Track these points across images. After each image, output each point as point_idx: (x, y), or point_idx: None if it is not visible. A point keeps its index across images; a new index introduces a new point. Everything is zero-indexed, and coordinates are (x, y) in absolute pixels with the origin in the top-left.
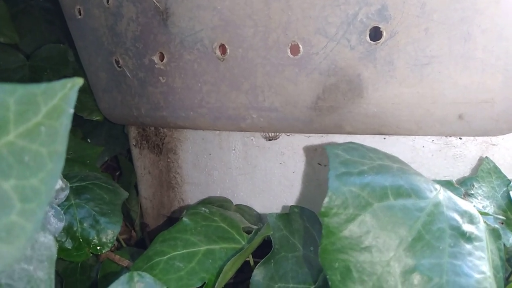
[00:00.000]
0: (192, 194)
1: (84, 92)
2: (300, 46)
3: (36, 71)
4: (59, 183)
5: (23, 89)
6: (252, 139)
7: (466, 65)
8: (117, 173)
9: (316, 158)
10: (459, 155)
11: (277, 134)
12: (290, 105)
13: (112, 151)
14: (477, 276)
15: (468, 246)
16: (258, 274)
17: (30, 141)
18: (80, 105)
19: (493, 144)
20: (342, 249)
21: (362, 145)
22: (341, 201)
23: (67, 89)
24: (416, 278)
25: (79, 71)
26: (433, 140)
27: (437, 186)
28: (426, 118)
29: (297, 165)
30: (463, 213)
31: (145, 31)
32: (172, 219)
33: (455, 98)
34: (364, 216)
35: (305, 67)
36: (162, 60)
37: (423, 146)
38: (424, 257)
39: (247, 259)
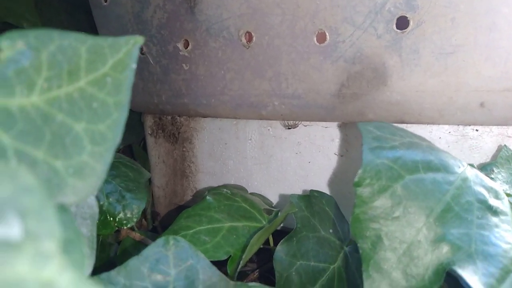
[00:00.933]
0: (206, 183)
1: None
2: (327, 34)
3: None
4: None
5: (93, 40)
6: (269, 129)
7: (490, 54)
8: None
9: (333, 148)
10: (475, 146)
11: (297, 122)
12: (313, 92)
13: (127, 140)
14: (504, 246)
15: (494, 219)
16: (281, 251)
17: (98, 90)
18: None
19: (509, 136)
20: (373, 218)
21: (391, 124)
22: (374, 173)
23: (130, 45)
24: (445, 247)
25: None
26: (450, 132)
27: (464, 163)
28: (449, 106)
29: (313, 155)
30: (489, 189)
31: (171, 19)
32: (184, 208)
33: (478, 86)
34: (396, 187)
35: (331, 55)
36: (186, 47)
37: (440, 138)
38: (454, 227)
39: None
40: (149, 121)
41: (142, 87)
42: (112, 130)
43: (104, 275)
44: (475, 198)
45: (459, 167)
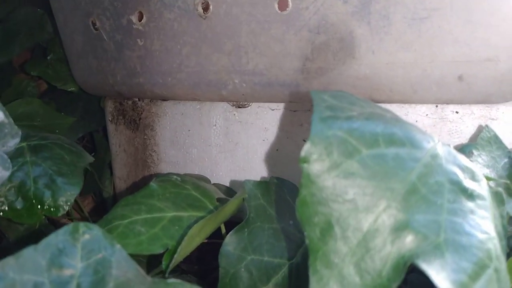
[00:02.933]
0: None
1: (60, 61)
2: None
3: (9, 34)
4: (7, 128)
5: None
6: (234, 114)
7: (470, 19)
8: (92, 154)
9: (302, 134)
10: (455, 130)
11: (247, 102)
12: (276, 68)
13: (87, 127)
14: (480, 235)
15: (469, 204)
16: (229, 244)
17: None
18: (54, 74)
19: (492, 119)
20: (323, 201)
21: (351, 94)
22: (324, 146)
23: None
24: (409, 236)
25: (55, 38)
26: (427, 114)
27: (435, 139)
28: (423, 80)
29: (281, 142)
30: (464, 169)
31: None
32: None
33: (455, 56)
34: (350, 164)
35: (294, 24)
36: (140, 20)
37: (416, 121)
38: (419, 213)
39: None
40: (109, 107)
41: (96, 66)
42: None
43: None
44: (446, 178)
45: (429, 142)
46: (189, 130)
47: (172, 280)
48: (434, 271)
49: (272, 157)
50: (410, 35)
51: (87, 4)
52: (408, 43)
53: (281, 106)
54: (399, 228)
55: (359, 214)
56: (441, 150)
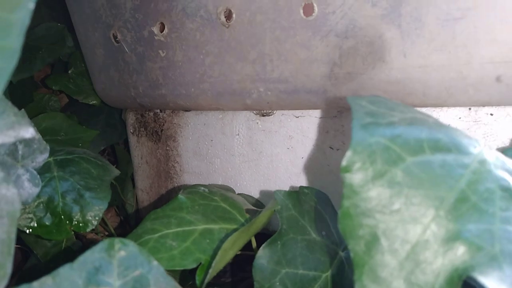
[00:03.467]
0: (191, 184)
1: (80, 75)
2: (315, 5)
3: (31, 50)
4: (36, 143)
5: None
6: (257, 123)
7: (507, 17)
8: (114, 166)
9: (328, 141)
10: (490, 133)
11: (272, 110)
12: (302, 74)
13: (109, 140)
14: None
15: None
16: (262, 257)
17: None
18: (76, 88)
19: None
20: (367, 212)
21: (389, 99)
22: (367, 154)
23: None
24: (461, 247)
25: (75, 52)
26: (460, 118)
27: (480, 143)
28: (458, 82)
29: (306, 150)
30: None
31: (145, 0)
32: None
33: (493, 57)
34: (395, 173)
35: (320, 29)
36: (162, 31)
37: (450, 125)
38: (471, 222)
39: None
40: (130, 119)
41: (117, 79)
42: None
43: (24, 286)
44: (497, 185)
45: (475, 147)
46: (211, 140)
47: None
48: (493, 284)
49: (298, 166)
50: (444, 36)
51: (108, 17)
52: (442, 45)
53: (306, 113)
54: (450, 239)
55: (406, 225)
56: (488, 155)
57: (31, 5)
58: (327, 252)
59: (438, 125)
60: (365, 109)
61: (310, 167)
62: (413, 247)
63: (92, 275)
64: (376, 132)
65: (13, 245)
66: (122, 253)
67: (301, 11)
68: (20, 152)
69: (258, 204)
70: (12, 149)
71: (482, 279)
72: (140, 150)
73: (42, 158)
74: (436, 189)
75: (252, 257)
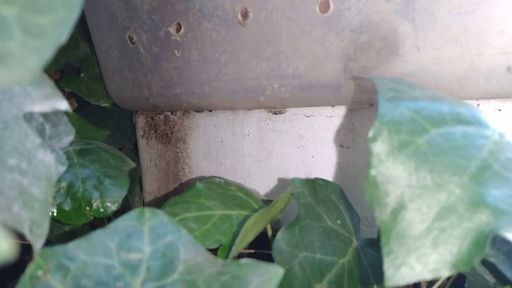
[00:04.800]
0: None
1: (92, 78)
2: (330, 1)
3: None
4: (63, 125)
5: None
6: (268, 123)
7: None
8: None
9: (338, 139)
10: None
11: (285, 108)
12: (317, 70)
13: (118, 143)
14: None
15: None
16: (281, 240)
17: None
18: (88, 91)
19: None
20: (393, 180)
21: (408, 81)
22: (393, 125)
23: None
24: (486, 210)
25: (88, 57)
26: None
27: (498, 120)
28: (470, 74)
29: (316, 149)
30: None
31: (162, 1)
32: None
33: (504, 47)
34: (420, 142)
35: (335, 25)
36: (178, 32)
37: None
38: (494, 187)
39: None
40: (140, 122)
41: (132, 80)
42: (55, 27)
43: (59, 247)
44: None
45: (493, 122)
46: (222, 141)
47: (245, 260)
48: None
49: (308, 165)
50: (456, 29)
51: (124, 19)
52: (454, 38)
53: (316, 112)
54: (475, 203)
55: (431, 192)
56: (506, 130)
57: None
58: (342, 240)
59: (457, 101)
60: (388, 86)
61: (321, 166)
62: (439, 212)
63: (124, 241)
64: (401, 104)
65: (49, 206)
66: (152, 221)
67: (317, 8)
68: (47, 132)
69: (269, 201)
70: (40, 129)
71: (509, 236)
72: (149, 152)
73: (67, 139)
74: (459, 157)
75: (268, 255)
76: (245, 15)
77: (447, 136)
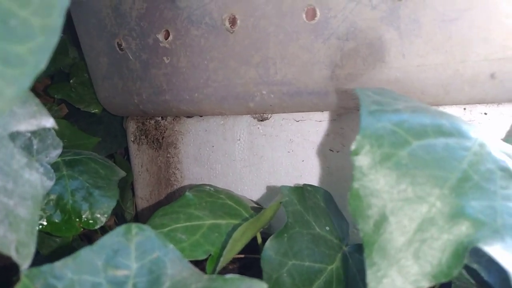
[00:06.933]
0: None
1: (83, 84)
2: (317, 9)
3: None
4: (50, 139)
5: None
6: (258, 128)
7: (499, 17)
8: None
9: (328, 144)
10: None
11: (269, 114)
12: (305, 76)
13: (109, 149)
14: None
15: None
16: (270, 249)
17: (19, 6)
18: (77, 97)
19: None
20: (376, 193)
21: (393, 91)
22: (375, 138)
23: None
24: (465, 222)
25: (78, 63)
26: None
27: (479, 129)
28: (455, 80)
29: (306, 153)
30: None
31: (150, 8)
32: None
33: (487, 55)
34: (401, 155)
35: (322, 33)
36: (167, 38)
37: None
38: (474, 199)
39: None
40: (131, 127)
41: (121, 86)
42: (34, 54)
43: (46, 267)
44: (497, 165)
45: (475, 132)
46: (213, 146)
47: (230, 276)
48: (497, 253)
49: (298, 169)
50: (441, 36)
51: (113, 26)
52: (439, 45)
53: (306, 117)
54: (455, 215)
55: (413, 204)
56: (487, 140)
57: None
58: (331, 247)
59: (439, 112)
60: (372, 98)
61: (311, 170)
62: (420, 224)
63: (111, 258)
64: (383, 117)
65: (36, 226)
66: (139, 237)
67: (304, 15)
68: (35, 147)
69: (259, 208)
70: (27, 144)
71: (486, 248)
72: (140, 158)
73: (55, 153)
74: (440, 169)
75: (258, 260)
76: (233, 22)
77: (428, 148)
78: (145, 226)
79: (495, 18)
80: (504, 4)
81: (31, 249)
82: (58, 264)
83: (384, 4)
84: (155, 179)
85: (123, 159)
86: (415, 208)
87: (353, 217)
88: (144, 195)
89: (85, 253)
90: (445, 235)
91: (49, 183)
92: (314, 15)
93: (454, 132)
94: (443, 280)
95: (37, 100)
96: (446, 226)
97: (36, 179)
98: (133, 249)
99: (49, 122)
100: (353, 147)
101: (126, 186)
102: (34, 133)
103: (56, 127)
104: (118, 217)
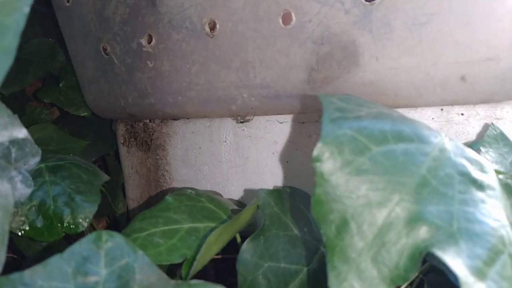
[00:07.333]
0: None
1: (71, 88)
2: (293, 14)
3: (23, 64)
4: (28, 147)
5: None
6: (243, 129)
7: (468, 21)
8: None
9: (311, 145)
10: (461, 132)
11: (250, 116)
12: (283, 80)
13: (100, 151)
14: (492, 223)
15: (480, 194)
16: (246, 251)
17: None
18: (67, 101)
19: (497, 118)
20: (337, 198)
21: (359, 97)
22: (335, 145)
23: None
24: (423, 227)
25: (66, 66)
26: (433, 118)
27: (442, 134)
28: (427, 82)
29: (291, 154)
30: (473, 161)
31: (133, 13)
32: None
33: (457, 57)
34: (362, 161)
35: (298, 37)
36: (150, 43)
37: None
38: (431, 204)
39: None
40: (120, 130)
41: (107, 90)
42: None
43: (16, 275)
44: (455, 170)
45: (436, 137)
46: (200, 148)
47: (194, 281)
48: (450, 258)
49: (283, 170)
50: (412, 40)
51: (98, 30)
52: (410, 48)
53: (289, 118)
54: (413, 220)
55: (373, 209)
56: (448, 144)
57: (26, 10)
58: (308, 247)
59: (402, 118)
60: (335, 105)
61: (295, 171)
62: (379, 229)
63: (80, 265)
64: (344, 125)
65: (6, 237)
66: (109, 243)
67: (280, 20)
68: (13, 155)
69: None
70: (5, 152)
71: (440, 254)
72: (130, 160)
73: (34, 161)
74: (399, 175)
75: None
76: (212, 27)
77: (388, 154)
78: (115, 233)
79: (463, 22)
80: (470, 8)
81: (1, 259)
82: (28, 272)
83: (357, 8)
84: (145, 181)
85: (114, 161)
86: (374, 213)
87: (316, 221)
88: (135, 196)
89: (55, 261)
90: (403, 240)
91: (27, 191)
92: (290, 19)
93: (415, 137)
94: (400, 284)
95: (9, 112)
96: (404, 230)
97: (6, 190)
98: (102, 255)
99: (21, 133)
100: (314, 153)
101: (117, 188)
102: (12, 141)
103: (29, 137)
104: (110, 218)
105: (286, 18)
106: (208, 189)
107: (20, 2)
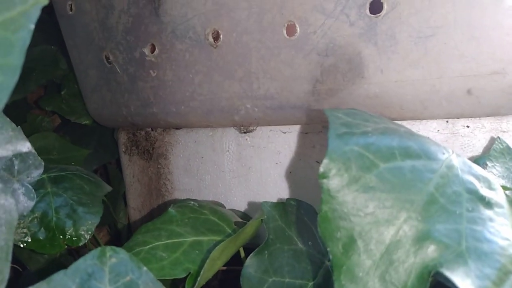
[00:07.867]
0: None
1: (73, 96)
2: (297, 25)
3: (25, 72)
4: (31, 159)
5: None
6: (246, 139)
7: (473, 34)
8: None
9: (314, 156)
10: (467, 144)
11: (254, 127)
12: (287, 91)
13: (101, 159)
14: (501, 242)
15: (488, 212)
16: (250, 266)
17: None
18: (69, 109)
19: (503, 131)
20: (344, 215)
21: (364, 111)
22: (342, 161)
23: (28, 5)
24: (431, 246)
25: (68, 74)
26: (438, 130)
27: (450, 150)
28: (432, 96)
29: (294, 165)
30: (480, 178)
31: (136, 23)
32: None
33: (462, 71)
34: (369, 178)
35: (302, 48)
36: (153, 52)
37: (428, 137)
38: (439, 222)
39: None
40: (122, 138)
41: (110, 98)
42: None
43: None
44: (463, 188)
45: (444, 153)
46: (202, 157)
47: None
48: (459, 278)
49: (286, 180)
50: (417, 53)
51: (100, 39)
52: (415, 61)
53: (292, 128)
54: (421, 239)
55: (380, 227)
56: (456, 161)
57: (32, 26)
58: (313, 261)
59: (409, 133)
60: (341, 120)
61: (298, 181)
62: (387, 247)
63: (84, 281)
64: (351, 141)
65: (10, 252)
66: (114, 260)
67: (284, 31)
68: (16, 168)
69: (248, 219)
70: (8, 165)
71: (448, 274)
72: (131, 168)
73: (37, 173)
74: (407, 192)
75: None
76: (216, 37)
77: (395, 171)
78: (119, 249)
79: (469, 35)
80: (476, 22)
81: (5, 276)
82: None
83: (362, 20)
84: (146, 190)
85: (116, 169)
86: (382, 231)
87: (323, 239)
88: (136, 206)
89: (59, 277)
90: (411, 259)
91: (30, 204)
92: (294, 31)
93: (422, 154)
94: None
95: (13, 125)
96: (412, 249)
97: (10, 204)
98: (107, 272)
99: (25, 146)
100: (321, 170)
101: (119, 197)
102: (15, 154)
103: (33, 150)
104: (111, 227)
105: (291, 29)
106: (210, 199)
107: (26, 19)
